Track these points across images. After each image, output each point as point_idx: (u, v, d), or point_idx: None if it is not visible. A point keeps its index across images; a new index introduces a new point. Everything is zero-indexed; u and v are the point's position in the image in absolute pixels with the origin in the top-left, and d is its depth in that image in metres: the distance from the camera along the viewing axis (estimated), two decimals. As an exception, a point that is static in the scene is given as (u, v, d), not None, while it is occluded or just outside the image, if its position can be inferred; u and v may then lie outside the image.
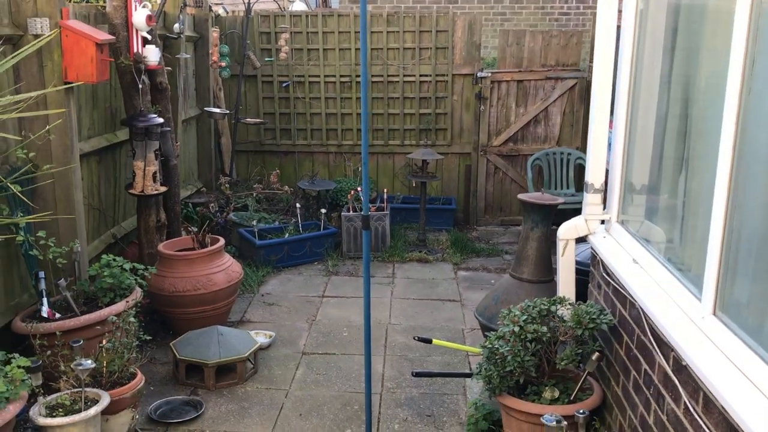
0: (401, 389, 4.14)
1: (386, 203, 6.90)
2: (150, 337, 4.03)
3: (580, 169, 7.46)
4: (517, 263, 3.91)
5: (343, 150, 8.01)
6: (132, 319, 3.36)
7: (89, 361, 3.07)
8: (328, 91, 7.88)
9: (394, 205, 7.32)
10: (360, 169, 7.89)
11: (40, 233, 3.85)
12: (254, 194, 7.19)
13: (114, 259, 4.09)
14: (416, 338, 3.68)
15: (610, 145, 3.73)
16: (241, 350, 4.14)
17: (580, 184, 7.60)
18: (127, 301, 3.90)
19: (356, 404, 3.96)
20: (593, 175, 3.70)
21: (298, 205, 6.82)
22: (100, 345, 3.29)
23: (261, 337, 4.75)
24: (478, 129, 7.79)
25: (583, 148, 7.68)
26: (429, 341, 3.67)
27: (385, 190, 6.98)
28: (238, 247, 6.48)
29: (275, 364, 4.44)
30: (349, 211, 6.76)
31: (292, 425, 3.77)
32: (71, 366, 3.15)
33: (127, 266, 4.04)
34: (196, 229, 5.13)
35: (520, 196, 4.25)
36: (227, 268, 4.73)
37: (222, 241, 4.83)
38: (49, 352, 3.43)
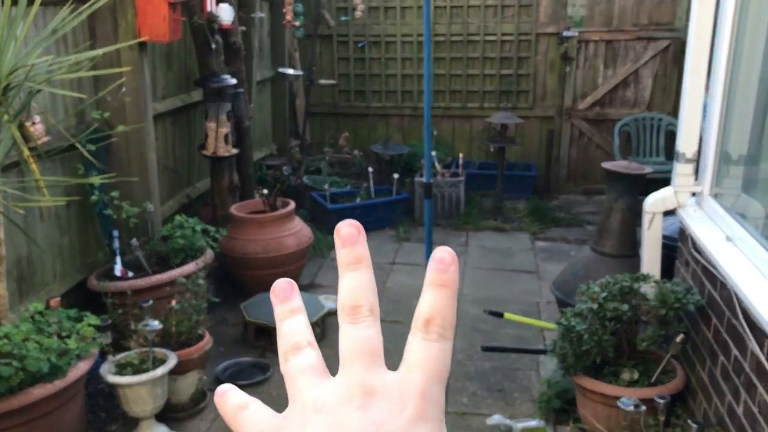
0: (471, 362, 4.01)
1: (461, 169, 6.69)
2: (219, 299, 4.05)
3: (671, 137, 7.00)
4: (599, 236, 3.68)
5: (418, 113, 7.81)
6: (201, 281, 3.36)
7: (156, 323, 3.08)
8: (404, 52, 7.68)
9: (470, 171, 7.10)
10: (436, 133, 7.69)
11: (113, 193, 3.89)
12: (327, 158, 7.13)
13: (187, 220, 4.10)
14: (487, 311, 3.52)
15: (705, 111, 3.41)
16: (310, 314, 4.09)
17: (670, 153, 7.16)
18: (197, 264, 3.91)
19: (423, 375, 3.86)
20: (685, 144, 3.41)
21: (370, 169, 6.70)
22: (170, 306, 3.30)
23: (330, 302, 4.70)
24: (562, 92, 7.44)
25: (675, 113, 7.21)
26: (500, 315, 3.51)
27: (461, 155, 6.77)
28: (309, 210, 6.45)
29: (343, 330, 4.39)
30: (421, 176, 6.59)
31: (358, 394, 3.71)
32: (140, 326, 3.18)
33: (199, 227, 4.04)
34: (267, 192, 5.10)
35: (605, 164, 3.99)
36: (297, 231, 4.69)
37: (292, 205, 4.79)
38: (120, 311, 3.47)
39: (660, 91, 7.30)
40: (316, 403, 0.47)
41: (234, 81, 4.87)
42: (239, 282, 4.79)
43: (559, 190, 7.68)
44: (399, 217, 6.50)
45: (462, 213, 6.52)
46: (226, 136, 4.89)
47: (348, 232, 0.50)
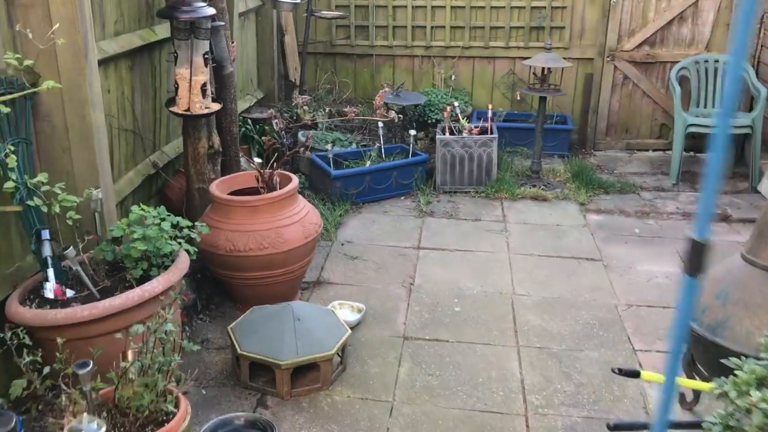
0: (553, 408, 2.90)
1: (490, 123, 5.48)
2: (199, 347, 2.88)
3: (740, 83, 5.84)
4: (758, 241, 2.53)
5: (431, 53, 6.54)
6: (170, 327, 2.16)
7: (94, 425, 1.89)
8: (416, -22, 6.35)
9: (496, 124, 5.89)
10: (454, 77, 6.44)
11: (40, 176, 2.65)
12: (326, 109, 5.86)
13: (149, 212, 2.87)
14: (616, 371, 2.37)
15: None
16: (326, 344, 2.94)
17: (745, 104, 6.00)
18: (168, 278, 2.70)
19: None
20: None
21: (380, 124, 5.47)
22: (123, 365, 2.11)
23: (347, 311, 3.56)
24: (605, 28, 6.18)
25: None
26: (635, 374, 2.37)
27: (489, 107, 5.54)
28: (307, 175, 5.23)
29: (369, 354, 3.24)
30: (444, 133, 5.38)
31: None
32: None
33: (167, 224, 2.81)
34: (259, 161, 3.87)
35: None
36: (303, 218, 3.49)
37: (295, 181, 3.57)
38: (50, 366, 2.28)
39: (722, 27, 6.08)
40: None
41: (212, 10, 3.58)
42: (224, 284, 3.61)
43: (596, 145, 6.52)
44: (417, 183, 5.31)
45: (494, 178, 5.34)
46: (203, 87, 3.62)
47: None
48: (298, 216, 3.47)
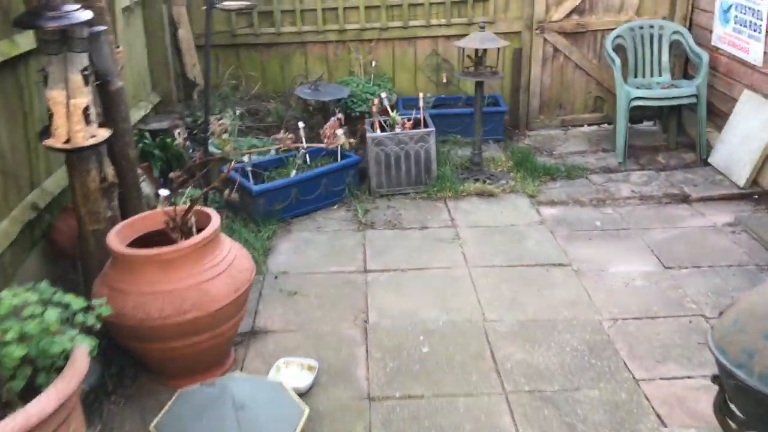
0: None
1: (423, 114, 4.92)
2: None
3: (676, 49, 5.53)
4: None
5: (346, 38, 5.89)
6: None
7: None
8: (322, -46, 5.66)
9: (427, 111, 5.32)
10: (375, 63, 5.82)
11: None
12: (236, 111, 5.14)
13: (26, 297, 2.14)
14: None
15: None
16: (284, 428, 2.32)
17: (677, 70, 5.69)
18: (58, 392, 2.00)
19: None
20: None
21: (301, 124, 4.81)
22: None
23: (296, 370, 2.94)
24: (532, -2, 5.73)
25: (672, 16, 5.71)
26: None
27: (420, 96, 4.97)
28: (222, 191, 4.52)
29: (331, 430, 2.65)
30: (374, 130, 4.79)
31: None
32: None
33: (53, 314, 2.09)
34: (166, 192, 3.15)
35: None
36: (231, 265, 2.83)
37: (216, 219, 2.88)
38: None
39: (652, -11, 5.74)
40: None
41: (88, 14, 2.81)
42: (138, 358, 2.91)
43: (529, 125, 6.09)
44: (350, 189, 4.71)
45: (434, 176, 4.79)
46: (85, 111, 2.85)
47: None
48: (225, 263, 2.81)
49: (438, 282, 3.66)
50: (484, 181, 4.85)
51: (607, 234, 4.15)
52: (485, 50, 4.71)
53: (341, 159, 4.70)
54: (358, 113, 5.39)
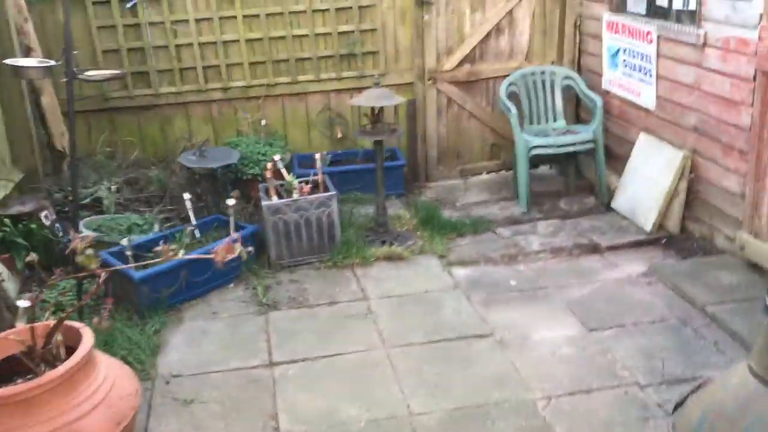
0: None
1: (322, 175, 4.60)
2: None
3: (568, 94, 5.52)
4: (766, 353, 1.89)
5: (231, 95, 5.50)
6: None
7: None
8: (198, 9, 5.26)
9: (324, 169, 4.98)
10: (264, 123, 5.46)
11: None
12: (112, 184, 4.63)
13: None
14: None
15: None
16: None
17: (572, 115, 5.68)
18: None
19: None
20: None
21: (186, 196, 4.37)
22: None
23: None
24: (421, 48, 5.56)
25: (561, 61, 5.72)
26: None
27: (317, 156, 4.64)
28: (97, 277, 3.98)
29: None
30: (270, 197, 4.41)
31: None
32: None
33: None
34: (27, 304, 2.64)
35: None
36: (109, 392, 2.35)
37: (88, 338, 2.40)
38: None
39: (540, 35, 5.72)
40: None
41: None
42: None
43: (429, 176, 5.90)
44: (247, 263, 4.28)
45: (339, 241, 4.46)
46: None
47: None
48: (102, 392, 2.34)
49: (354, 371, 3.30)
50: (391, 244, 4.56)
51: (524, 295, 3.94)
52: (382, 107, 4.46)
53: (235, 231, 4.28)
54: (249, 176, 5.00)
